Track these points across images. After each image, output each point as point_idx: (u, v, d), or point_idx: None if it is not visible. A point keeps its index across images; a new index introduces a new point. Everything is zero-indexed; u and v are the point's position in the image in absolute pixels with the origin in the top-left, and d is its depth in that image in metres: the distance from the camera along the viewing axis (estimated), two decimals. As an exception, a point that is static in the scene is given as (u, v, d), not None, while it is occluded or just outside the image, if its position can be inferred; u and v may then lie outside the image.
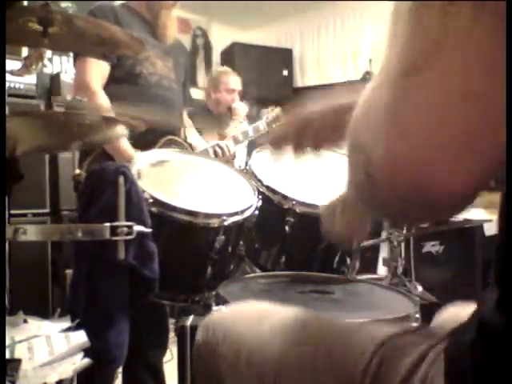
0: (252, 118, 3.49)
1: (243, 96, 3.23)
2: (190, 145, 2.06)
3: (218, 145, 2.21)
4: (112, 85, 1.78)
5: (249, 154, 2.61)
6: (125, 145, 1.66)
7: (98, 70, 1.75)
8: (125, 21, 1.80)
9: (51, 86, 2.95)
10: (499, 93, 0.32)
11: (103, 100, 1.71)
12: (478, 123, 0.34)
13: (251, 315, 0.72)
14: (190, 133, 2.15)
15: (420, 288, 2.04)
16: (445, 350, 0.49)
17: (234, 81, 3.04)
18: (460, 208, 0.38)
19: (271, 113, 2.42)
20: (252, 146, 2.88)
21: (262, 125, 2.40)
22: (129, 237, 1.06)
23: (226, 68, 3.20)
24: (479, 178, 0.35)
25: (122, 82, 1.80)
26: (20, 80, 2.65)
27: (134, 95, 1.80)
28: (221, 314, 0.76)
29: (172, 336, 2.64)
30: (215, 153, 2.19)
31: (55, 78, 2.94)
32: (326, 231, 0.82)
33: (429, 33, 0.34)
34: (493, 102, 0.33)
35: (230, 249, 1.45)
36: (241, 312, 0.75)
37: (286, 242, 1.47)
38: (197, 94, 3.88)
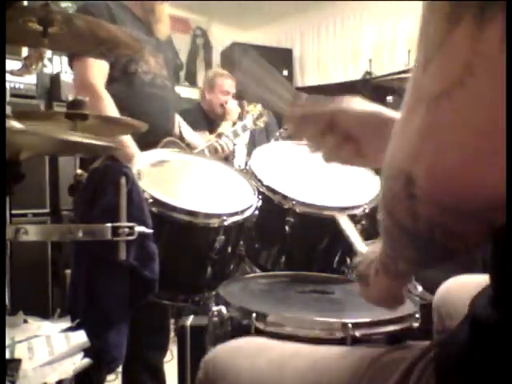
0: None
1: (242, 96, 3.26)
2: (188, 144, 2.05)
3: (217, 141, 2.21)
4: (108, 84, 1.76)
5: (249, 154, 2.62)
6: (129, 143, 1.65)
7: (100, 70, 1.73)
8: (119, 18, 1.78)
9: (51, 86, 2.95)
10: None
11: (108, 100, 1.69)
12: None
13: (249, 350, 0.73)
14: (185, 129, 2.13)
15: (420, 288, 2.04)
16: (434, 358, 0.49)
17: (229, 83, 3.08)
18: (494, 220, 0.40)
19: (254, 110, 2.45)
20: (252, 146, 2.89)
21: (249, 123, 2.42)
22: (130, 237, 1.06)
23: (221, 70, 3.23)
24: None
25: (118, 81, 1.78)
26: (20, 80, 2.65)
27: (130, 95, 1.79)
28: (220, 350, 0.77)
29: (172, 336, 2.65)
30: (215, 150, 2.19)
31: (55, 78, 2.94)
32: (360, 293, 0.73)
33: (459, 57, 0.36)
34: None
35: (229, 249, 1.45)
36: (239, 348, 0.76)
37: (286, 242, 1.47)
38: (197, 94, 3.88)
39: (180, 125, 2.10)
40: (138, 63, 1.81)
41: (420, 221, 0.43)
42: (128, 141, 1.64)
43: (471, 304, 0.48)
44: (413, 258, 0.52)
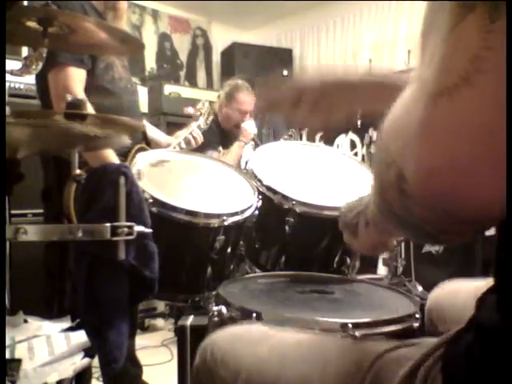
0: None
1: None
2: (149, 142, 1.99)
3: (191, 133, 2.19)
4: (92, 95, 1.67)
5: None
6: (112, 157, 1.60)
7: (80, 79, 1.67)
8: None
9: (51, 86, 2.95)
10: None
11: (90, 109, 1.61)
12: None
13: (249, 337, 0.72)
14: (148, 127, 2.09)
15: (420, 288, 2.04)
16: (442, 358, 0.49)
17: (248, 102, 2.90)
18: (487, 223, 0.39)
19: (203, 108, 2.43)
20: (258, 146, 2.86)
21: (202, 123, 2.40)
22: (129, 237, 1.06)
23: (241, 83, 2.99)
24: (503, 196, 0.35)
25: (101, 91, 1.73)
26: (20, 80, 2.65)
27: (114, 105, 1.74)
28: (219, 336, 0.75)
29: (172, 336, 2.65)
30: (189, 142, 2.18)
31: (55, 78, 2.93)
32: (347, 240, 0.79)
33: (467, 50, 0.34)
34: None
35: (229, 249, 1.45)
36: (239, 334, 0.75)
37: (286, 242, 1.47)
38: (197, 94, 3.88)
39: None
40: (113, 69, 1.76)
41: (411, 214, 0.40)
42: (111, 155, 1.60)
43: (477, 303, 0.48)
44: (402, 231, 0.50)
